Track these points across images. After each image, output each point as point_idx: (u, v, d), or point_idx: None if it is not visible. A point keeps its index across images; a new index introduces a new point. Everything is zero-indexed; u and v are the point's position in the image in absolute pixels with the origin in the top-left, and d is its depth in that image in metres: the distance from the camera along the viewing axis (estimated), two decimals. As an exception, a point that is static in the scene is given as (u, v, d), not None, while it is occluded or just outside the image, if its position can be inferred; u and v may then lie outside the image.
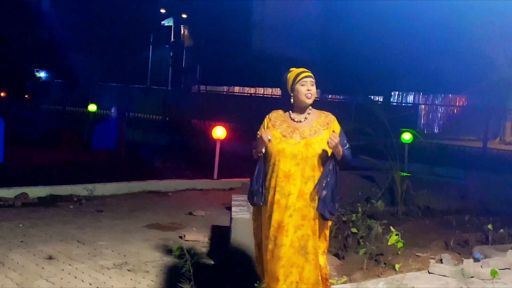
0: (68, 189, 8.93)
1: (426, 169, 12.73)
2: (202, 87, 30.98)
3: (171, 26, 34.31)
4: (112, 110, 16.71)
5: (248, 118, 17.96)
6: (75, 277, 5.22)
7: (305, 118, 3.95)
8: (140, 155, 13.39)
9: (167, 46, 33.83)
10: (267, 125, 4.01)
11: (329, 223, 4.00)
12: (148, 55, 35.98)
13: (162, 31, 33.82)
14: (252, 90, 27.66)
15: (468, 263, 5.42)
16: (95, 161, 12.46)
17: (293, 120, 3.97)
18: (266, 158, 3.96)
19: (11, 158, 12.08)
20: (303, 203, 3.82)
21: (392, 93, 23.82)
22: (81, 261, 5.68)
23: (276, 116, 4.03)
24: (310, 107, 3.97)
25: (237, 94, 27.67)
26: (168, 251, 6.06)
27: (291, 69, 4.02)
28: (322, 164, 3.87)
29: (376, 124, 8.82)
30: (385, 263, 5.65)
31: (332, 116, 4.00)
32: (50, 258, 5.70)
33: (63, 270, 5.38)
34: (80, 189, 9.01)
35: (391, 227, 5.79)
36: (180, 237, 6.76)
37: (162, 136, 18.41)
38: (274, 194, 3.86)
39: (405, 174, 8.96)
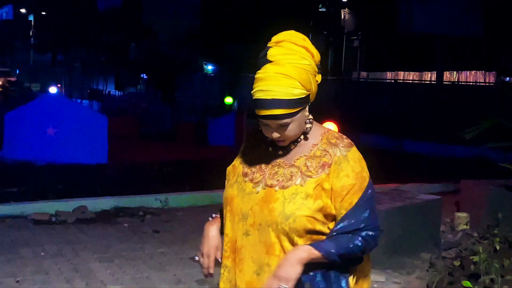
0: (137, 201, 7.65)
1: None
2: (363, 74, 28.76)
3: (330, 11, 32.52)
4: (235, 103, 15.43)
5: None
6: None
7: (290, 148, 2.02)
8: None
9: (326, 32, 32.19)
10: (242, 149, 2.18)
11: None
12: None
13: (320, 17, 32.26)
14: (414, 76, 24.82)
15: None
16: (205, 159, 11.24)
17: (268, 146, 2.07)
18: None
19: (120, 156, 11.29)
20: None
21: None
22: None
23: (257, 133, 2.13)
24: (310, 124, 2.00)
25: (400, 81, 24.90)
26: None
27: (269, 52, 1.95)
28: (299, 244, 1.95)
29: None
30: None
31: (345, 150, 1.97)
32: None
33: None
34: (152, 200, 7.70)
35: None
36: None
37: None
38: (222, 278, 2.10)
39: None
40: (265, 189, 1.98)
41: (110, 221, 6.96)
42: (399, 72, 25.94)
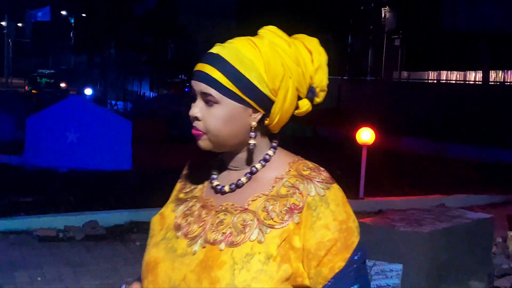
0: (154, 214, 7.02)
1: None
2: (404, 74, 27.73)
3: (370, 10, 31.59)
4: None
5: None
6: None
7: (240, 182, 1.37)
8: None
9: (367, 31, 31.29)
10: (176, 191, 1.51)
11: None
12: (346, 43, 33.94)
13: (360, 15, 31.44)
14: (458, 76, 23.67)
15: None
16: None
17: (212, 183, 1.42)
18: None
19: (146, 162, 10.74)
20: None
21: None
22: None
23: (200, 165, 1.50)
24: (272, 150, 1.40)
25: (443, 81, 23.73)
26: None
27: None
28: None
29: None
30: None
31: (324, 187, 1.32)
32: None
33: None
34: None
35: None
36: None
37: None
38: None
39: None
40: (205, 247, 1.31)
41: (122, 238, 6.36)
42: (441, 71, 24.85)
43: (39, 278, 5.03)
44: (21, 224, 6.47)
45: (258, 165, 1.37)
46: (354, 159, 8.57)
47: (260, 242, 1.27)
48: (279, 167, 1.37)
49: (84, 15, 42.79)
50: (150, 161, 11.10)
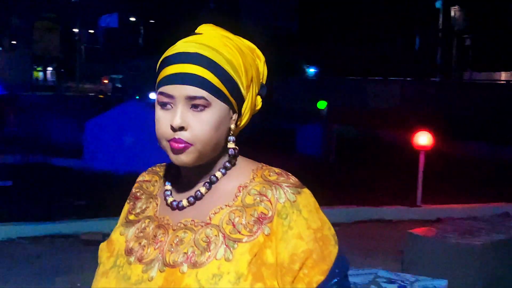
0: None
1: None
2: (470, 74, 26.83)
3: (439, 8, 30.77)
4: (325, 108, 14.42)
5: None
6: None
7: (201, 195, 1.21)
8: (353, 166, 10.77)
9: (435, 30, 30.50)
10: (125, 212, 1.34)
11: None
12: (413, 43, 33.26)
13: (428, 14, 30.67)
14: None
15: None
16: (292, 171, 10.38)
17: (167, 200, 1.24)
18: None
19: None
20: None
21: None
22: None
23: (150, 181, 1.33)
24: (233, 153, 1.22)
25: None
26: None
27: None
28: None
29: None
30: None
31: (294, 192, 1.17)
32: None
33: None
34: None
35: None
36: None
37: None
38: None
39: None
40: (164, 271, 1.15)
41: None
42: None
43: (78, 284, 4.99)
44: (69, 228, 6.50)
45: (218, 174, 1.21)
46: (412, 164, 8.19)
47: (227, 260, 1.11)
48: (242, 174, 1.22)
49: (152, 20, 43.61)
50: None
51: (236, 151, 1.21)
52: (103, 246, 1.30)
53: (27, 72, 42.68)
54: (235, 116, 1.20)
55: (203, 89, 1.13)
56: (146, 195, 1.30)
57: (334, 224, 1.19)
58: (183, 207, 1.21)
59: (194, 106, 1.13)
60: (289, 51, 27.24)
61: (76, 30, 48.62)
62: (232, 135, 1.20)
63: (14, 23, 44.73)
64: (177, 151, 1.14)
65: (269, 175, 1.20)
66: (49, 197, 7.79)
